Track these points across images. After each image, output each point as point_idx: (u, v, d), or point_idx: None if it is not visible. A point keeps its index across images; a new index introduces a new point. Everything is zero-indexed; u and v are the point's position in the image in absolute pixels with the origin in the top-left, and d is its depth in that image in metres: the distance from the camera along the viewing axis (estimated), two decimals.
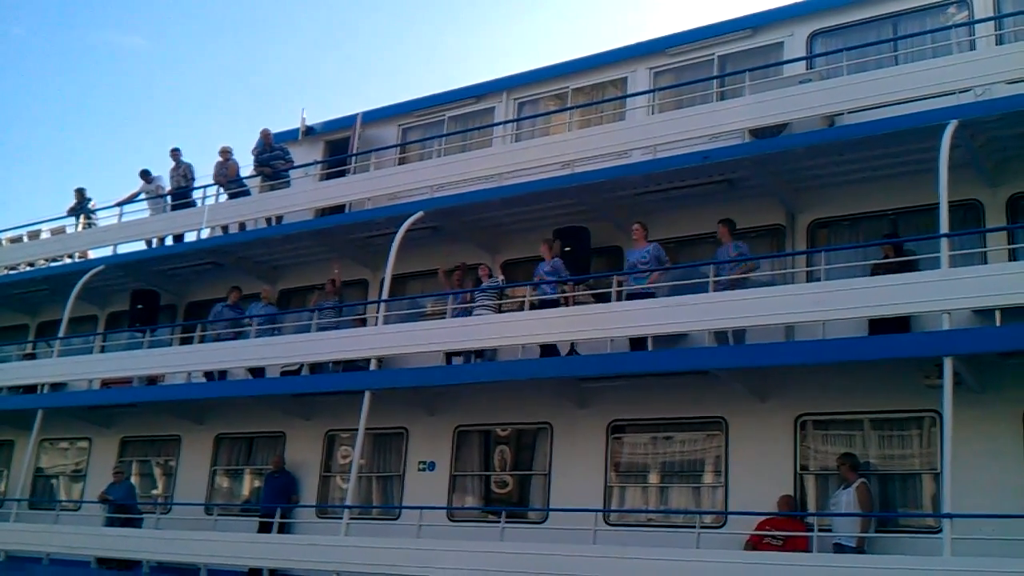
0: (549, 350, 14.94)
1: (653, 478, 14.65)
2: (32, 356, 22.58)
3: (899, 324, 12.39)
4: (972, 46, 14.06)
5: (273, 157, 20.21)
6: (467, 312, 15.94)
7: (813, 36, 15.94)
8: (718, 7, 62.27)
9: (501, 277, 16.36)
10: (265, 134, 20.28)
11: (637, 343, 14.14)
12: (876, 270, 12.96)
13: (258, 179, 20.45)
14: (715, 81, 16.17)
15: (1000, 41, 13.68)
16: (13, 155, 63.07)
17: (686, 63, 17.11)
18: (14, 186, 63.04)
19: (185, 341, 19.65)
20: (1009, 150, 13.15)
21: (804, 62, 15.48)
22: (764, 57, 16.17)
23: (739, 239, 14.30)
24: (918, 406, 12.53)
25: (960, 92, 13.07)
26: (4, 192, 62.29)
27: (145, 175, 21.98)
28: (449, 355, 16.04)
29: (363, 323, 17.38)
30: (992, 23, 14.05)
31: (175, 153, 21.58)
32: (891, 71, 13.82)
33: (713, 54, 16.77)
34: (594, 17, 64.53)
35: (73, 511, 20.17)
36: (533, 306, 15.39)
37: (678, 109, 15.96)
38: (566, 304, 15.02)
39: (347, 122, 20.69)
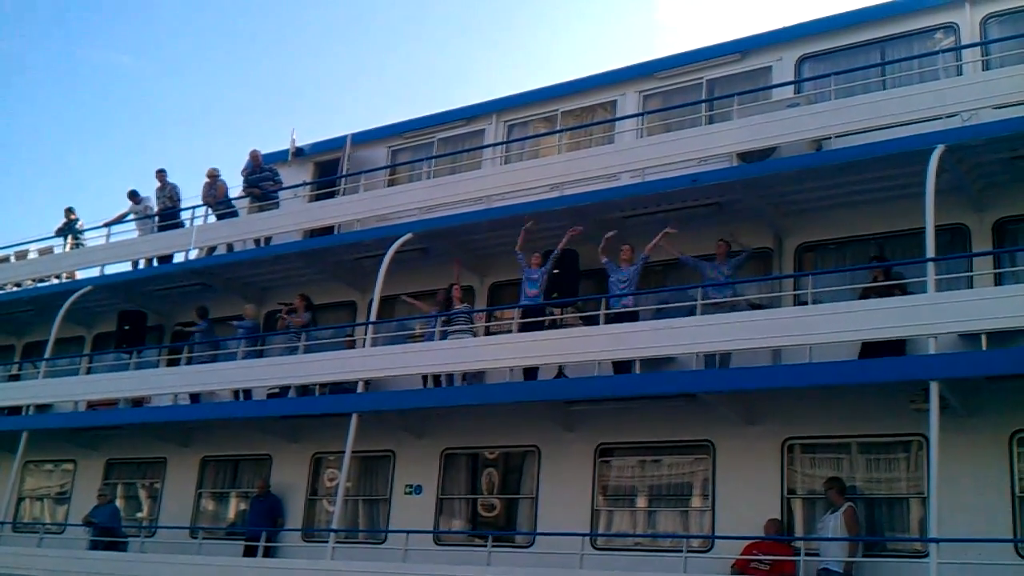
0: (531, 372, 14.94)
1: (640, 502, 14.60)
2: (17, 377, 22.43)
3: (894, 347, 12.35)
4: (959, 71, 14.15)
5: (262, 178, 20.20)
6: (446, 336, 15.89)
7: (801, 60, 16.01)
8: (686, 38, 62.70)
9: (464, 304, 16.27)
10: (254, 155, 20.28)
11: (623, 366, 14.12)
12: (866, 293, 12.95)
13: (246, 200, 20.42)
14: (704, 105, 16.21)
15: (987, 66, 13.77)
16: (1, 173, 62.93)
17: (675, 87, 17.17)
18: (2, 204, 62.86)
19: (172, 363, 19.59)
20: (995, 175, 13.18)
21: (792, 86, 15.55)
22: (752, 81, 16.23)
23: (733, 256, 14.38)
24: (905, 430, 12.51)
25: (947, 117, 13.13)
26: None
27: (133, 196, 21.93)
28: (426, 377, 16.01)
29: (351, 345, 17.32)
30: (979, 48, 14.15)
31: (161, 174, 21.52)
32: (879, 96, 13.89)
33: (702, 78, 16.83)
34: (586, 39, 64.88)
35: (57, 534, 19.99)
36: (520, 328, 15.35)
37: (667, 132, 16.01)
38: (553, 319, 15.07)
39: (337, 143, 20.72)
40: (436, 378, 16.07)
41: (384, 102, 66.88)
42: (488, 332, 16.23)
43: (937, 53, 14.65)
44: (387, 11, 65.53)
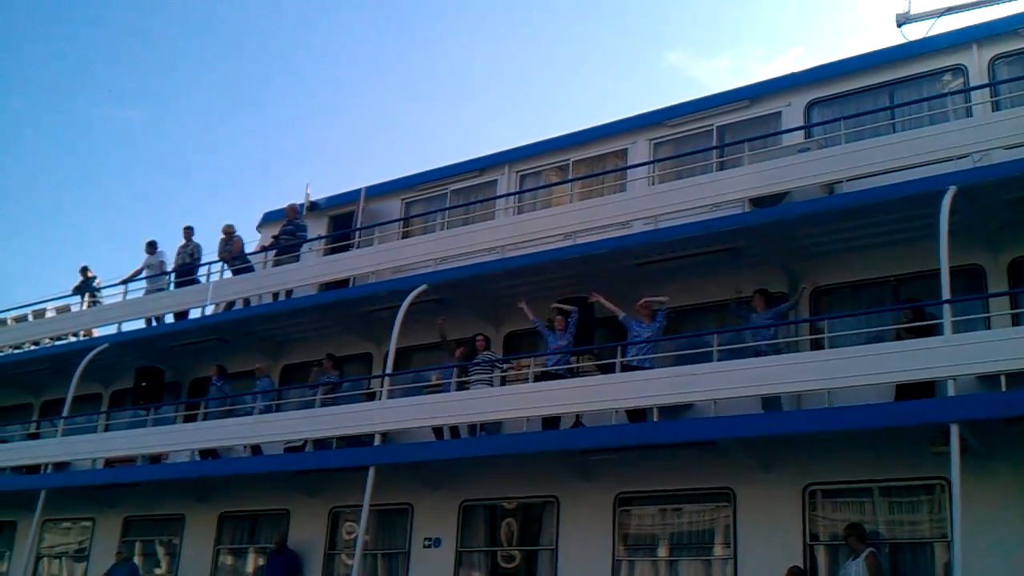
0: (551, 422, 14.88)
1: (661, 551, 14.45)
2: (36, 436, 22.49)
3: (924, 389, 12.16)
4: (969, 113, 14.18)
5: (284, 232, 20.32)
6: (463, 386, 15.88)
7: (810, 105, 16.09)
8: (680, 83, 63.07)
9: (490, 352, 16.28)
10: (290, 208, 20.39)
11: (640, 414, 14.06)
12: (902, 335, 12.80)
13: (262, 255, 20.54)
14: (714, 151, 16.29)
15: (996, 107, 13.80)
16: (14, 230, 63.31)
17: (685, 134, 17.27)
18: (16, 262, 63.20)
19: (189, 419, 19.60)
20: (1008, 215, 13.14)
21: (802, 131, 15.60)
22: (762, 127, 16.32)
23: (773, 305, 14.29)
24: (926, 473, 12.38)
25: (958, 158, 13.14)
26: (5, 266, 62.37)
27: (151, 246, 22.07)
28: (440, 429, 15.99)
29: (368, 398, 17.30)
30: (988, 90, 14.20)
31: (187, 232, 21.71)
32: (889, 139, 13.90)
33: (712, 124, 16.94)
34: (595, 88, 65.35)
35: None
36: (538, 378, 15.34)
37: (678, 179, 16.08)
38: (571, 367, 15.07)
39: (351, 197, 20.87)
40: (453, 429, 16.01)
41: (397, 155, 67.43)
42: (504, 382, 16.20)
43: (946, 95, 14.70)
44: (399, 66, 66.31)
